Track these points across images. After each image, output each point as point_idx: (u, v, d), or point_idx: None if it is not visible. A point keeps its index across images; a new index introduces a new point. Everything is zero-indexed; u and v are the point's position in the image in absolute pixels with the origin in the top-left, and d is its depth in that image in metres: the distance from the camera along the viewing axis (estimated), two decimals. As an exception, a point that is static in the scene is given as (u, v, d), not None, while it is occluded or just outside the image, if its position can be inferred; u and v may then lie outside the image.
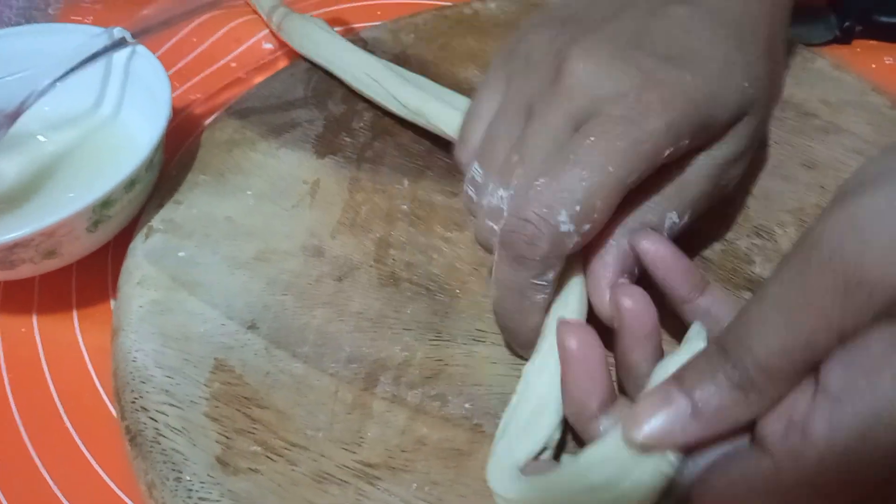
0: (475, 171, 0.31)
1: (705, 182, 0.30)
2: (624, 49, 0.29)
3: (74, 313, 0.36)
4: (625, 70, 0.28)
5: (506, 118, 0.30)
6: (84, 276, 0.38)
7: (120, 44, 0.38)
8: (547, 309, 0.29)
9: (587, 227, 0.27)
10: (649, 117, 0.27)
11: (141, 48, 0.39)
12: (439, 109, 0.37)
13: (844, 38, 0.48)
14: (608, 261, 0.28)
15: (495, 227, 0.29)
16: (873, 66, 0.46)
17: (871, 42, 0.48)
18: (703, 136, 0.29)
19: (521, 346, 0.30)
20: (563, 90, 0.29)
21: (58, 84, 0.37)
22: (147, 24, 0.40)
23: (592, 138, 0.27)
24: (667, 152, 0.27)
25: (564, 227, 0.27)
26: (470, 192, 0.31)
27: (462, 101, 0.37)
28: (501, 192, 0.29)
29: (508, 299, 0.29)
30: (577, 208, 0.26)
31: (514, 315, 0.29)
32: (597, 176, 0.26)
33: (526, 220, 0.27)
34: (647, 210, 0.29)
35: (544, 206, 0.27)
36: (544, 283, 0.28)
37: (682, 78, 0.28)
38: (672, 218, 0.29)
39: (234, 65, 0.49)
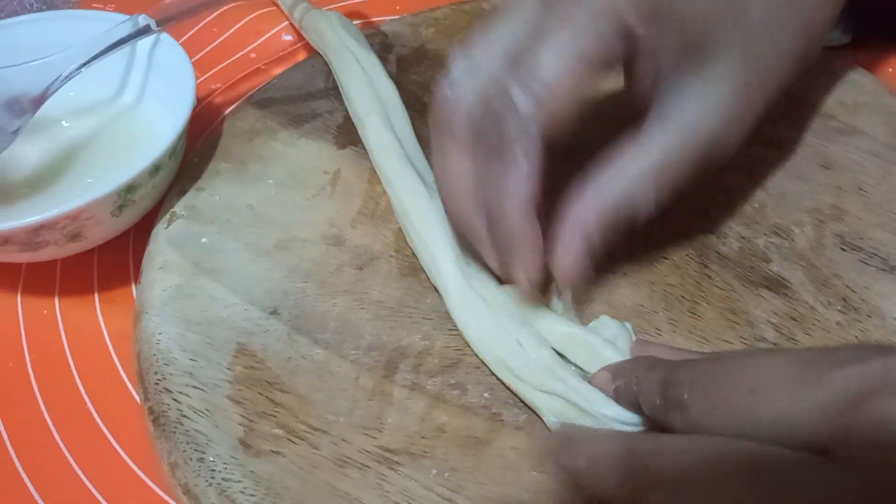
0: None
1: (690, 144, 0.29)
2: None
3: (96, 296, 0.37)
4: None
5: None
6: (106, 260, 0.38)
7: (145, 31, 0.39)
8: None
9: (547, 103, 0.27)
10: None
11: (165, 36, 0.40)
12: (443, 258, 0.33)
13: (861, 42, 0.48)
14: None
15: (448, 93, 0.29)
16: (890, 69, 0.47)
17: (888, 46, 0.48)
18: (662, 25, 0.28)
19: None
20: None
21: (82, 70, 0.38)
22: (169, 12, 0.40)
23: (548, 21, 0.27)
24: (620, 38, 0.27)
25: (523, 105, 0.27)
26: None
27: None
28: (461, 62, 0.29)
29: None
30: (533, 86, 0.27)
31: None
32: (552, 52, 0.27)
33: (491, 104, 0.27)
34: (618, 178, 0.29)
35: (501, 90, 0.27)
36: (516, 171, 0.27)
37: None
38: (647, 195, 0.29)
39: (253, 55, 0.49)
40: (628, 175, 0.29)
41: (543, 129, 0.27)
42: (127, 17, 0.39)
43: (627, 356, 0.29)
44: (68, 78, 0.38)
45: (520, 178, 0.27)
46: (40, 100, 0.38)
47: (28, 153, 0.39)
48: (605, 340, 0.29)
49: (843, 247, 0.35)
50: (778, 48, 0.31)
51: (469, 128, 0.28)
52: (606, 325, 0.30)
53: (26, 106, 0.38)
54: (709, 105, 0.29)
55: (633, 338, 0.30)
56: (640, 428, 0.26)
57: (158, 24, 0.39)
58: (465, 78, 0.29)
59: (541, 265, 0.29)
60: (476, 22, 0.47)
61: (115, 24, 0.39)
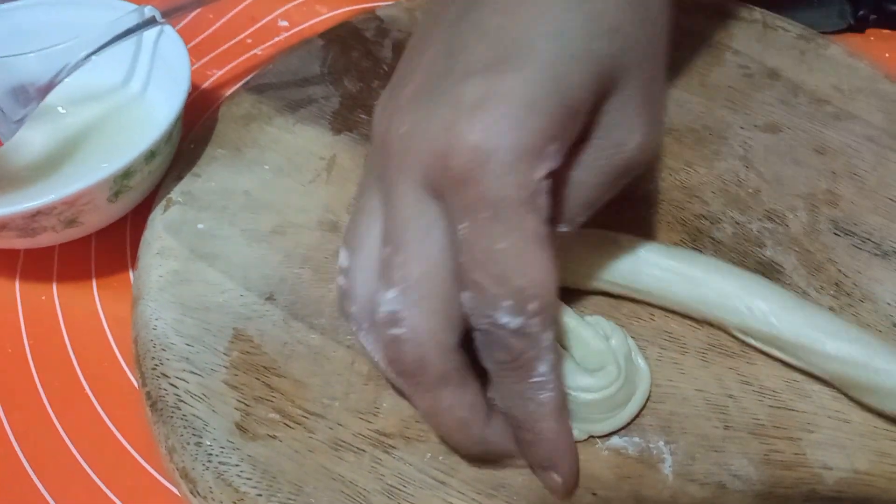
0: (342, 260, 0.28)
1: (599, 182, 0.26)
2: (430, 89, 0.25)
3: (94, 282, 0.37)
4: (433, 115, 0.24)
5: (363, 206, 0.27)
6: (103, 246, 0.38)
7: (151, 22, 0.39)
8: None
9: (532, 306, 0.24)
10: (496, 162, 0.23)
11: (168, 28, 0.40)
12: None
13: (858, 27, 0.48)
14: None
15: (402, 335, 0.25)
16: (886, 54, 0.47)
17: (885, 31, 0.48)
18: (572, 126, 0.25)
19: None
20: (391, 161, 0.25)
21: (91, 59, 0.38)
22: (174, 3, 0.40)
23: (465, 224, 0.24)
24: (544, 171, 0.24)
25: (524, 322, 0.24)
26: (341, 284, 0.27)
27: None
28: (390, 293, 0.25)
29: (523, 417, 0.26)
30: (520, 297, 0.24)
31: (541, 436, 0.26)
32: (512, 246, 0.23)
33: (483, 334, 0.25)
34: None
35: (487, 315, 0.24)
36: (548, 381, 0.25)
37: (503, 86, 0.23)
38: (562, 227, 0.26)
39: (249, 41, 0.49)
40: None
41: (553, 328, 0.25)
42: (130, 3, 0.39)
43: (619, 355, 0.29)
44: (75, 67, 0.38)
45: (546, 388, 0.25)
46: (47, 89, 0.38)
47: (30, 141, 0.39)
48: (598, 335, 0.29)
49: (836, 232, 0.35)
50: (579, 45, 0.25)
51: (447, 361, 0.25)
52: (601, 322, 0.31)
53: (32, 94, 0.38)
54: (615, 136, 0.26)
55: (629, 340, 0.30)
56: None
57: (163, 14, 0.39)
58: (412, 309, 0.25)
59: (577, 466, 0.27)
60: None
61: (115, 9, 0.39)
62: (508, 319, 0.24)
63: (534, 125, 0.23)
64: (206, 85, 0.46)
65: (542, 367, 0.25)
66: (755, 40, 0.44)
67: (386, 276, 0.25)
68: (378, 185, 0.26)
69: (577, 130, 0.25)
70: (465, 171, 0.23)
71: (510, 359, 0.25)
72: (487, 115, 0.23)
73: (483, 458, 0.28)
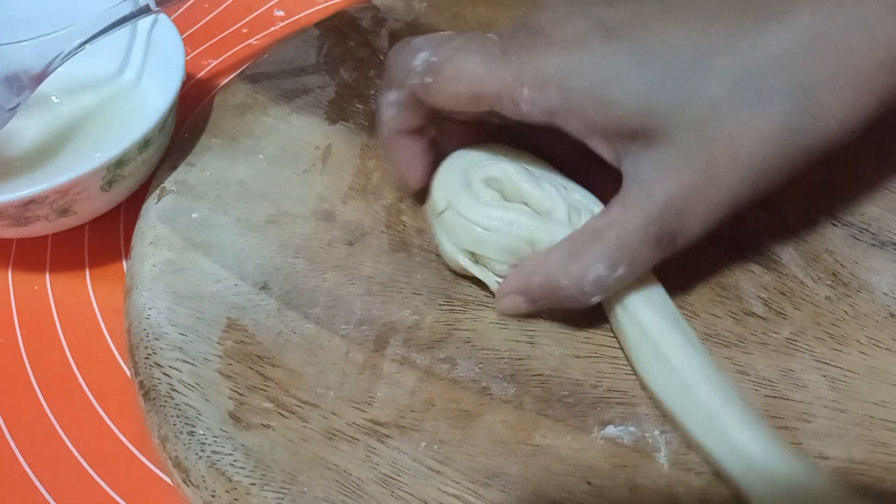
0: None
1: (643, 227, 0.28)
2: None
3: (87, 272, 0.37)
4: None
5: None
6: (97, 236, 0.38)
7: (145, 11, 0.38)
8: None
9: (431, 95, 0.30)
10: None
11: (163, 17, 0.40)
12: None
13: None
14: None
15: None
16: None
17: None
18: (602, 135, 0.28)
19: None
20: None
21: (84, 47, 0.37)
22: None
23: (483, 47, 0.29)
24: (525, 110, 0.28)
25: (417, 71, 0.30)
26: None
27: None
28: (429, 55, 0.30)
29: None
30: (430, 78, 0.29)
31: None
32: (460, 71, 0.29)
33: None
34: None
35: (423, 55, 0.30)
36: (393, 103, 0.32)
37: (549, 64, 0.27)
38: (598, 270, 0.28)
39: (245, 31, 0.49)
40: (578, 261, 0.28)
41: (419, 95, 0.30)
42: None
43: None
44: (69, 56, 0.37)
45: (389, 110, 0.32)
46: (40, 77, 0.37)
47: (23, 129, 0.39)
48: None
49: (834, 222, 0.35)
50: (752, 126, 0.27)
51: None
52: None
53: (26, 83, 0.37)
54: (666, 186, 0.27)
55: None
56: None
57: (158, 3, 0.39)
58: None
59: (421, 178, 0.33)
60: (466, 4, 0.46)
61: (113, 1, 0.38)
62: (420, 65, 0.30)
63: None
64: (201, 74, 0.46)
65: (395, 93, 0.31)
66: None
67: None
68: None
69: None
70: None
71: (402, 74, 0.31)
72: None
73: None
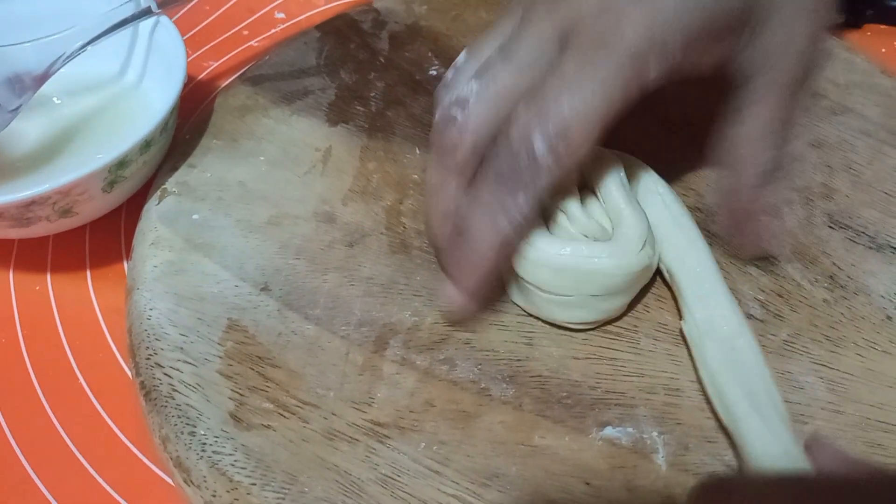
0: (460, 58, 0.31)
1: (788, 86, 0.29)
2: None
3: (88, 273, 0.37)
4: None
5: (501, 23, 0.31)
6: (98, 237, 0.38)
7: (147, 13, 0.39)
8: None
9: (563, 159, 0.27)
10: (625, 36, 0.27)
11: (164, 19, 0.40)
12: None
13: (855, 22, 0.48)
14: None
15: (458, 118, 0.29)
16: (883, 49, 0.47)
17: (881, 26, 0.48)
18: (701, 45, 0.28)
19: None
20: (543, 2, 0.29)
21: (86, 49, 0.38)
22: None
23: (570, 63, 0.27)
24: (653, 74, 0.27)
25: (542, 156, 0.27)
26: (448, 76, 0.31)
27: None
28: (473, 85, 0.29)
29: (476, 219, 0.29)
30: (554, 140, 0.27)
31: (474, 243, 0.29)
32: (576, 104, 0.27)
33: (510, 143, 0.28)
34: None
35: (522, 133, 0.27)
36: (519, 211, 0.28)
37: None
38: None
39: (246, 33, 0.49)
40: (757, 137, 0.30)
41: (554, 179, 0.28)
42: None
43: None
44: (71, 57, 0.38)
45: (515, 219, 0.28)
46: (42, 78, 0.38)
47: (25, 130, 0.39)
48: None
49: (831, 225, 0.35)
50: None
51: (472, 159, 0.29)
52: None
53: (28, 84, 0.38)
54: (791, 35, 0.29)
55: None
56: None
57: (160, 5, 0.39)
58: (478, 105, 0.29)
59: (476, 297, 0.30)
60: (466, 7, 0.47)
61: (110, 0, 0.38)
62: (540, 143, 0.27)
63: (668, 23, 0.27)
64: (202, 76, 0.46)
65: (521, 197, 0.28)
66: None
67: (480, 70, 0.29)
68: (522, 12, 0.30)
69: (699, 53, 0.28)
70: (600, 34, 0.27)
71: (510, 171, 0.28)
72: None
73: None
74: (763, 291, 0.33)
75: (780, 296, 0.33)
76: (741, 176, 0.30)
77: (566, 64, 0.27)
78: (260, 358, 0.31)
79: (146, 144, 0.34)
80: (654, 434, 0.29)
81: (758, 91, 0.30)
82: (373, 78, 0.42)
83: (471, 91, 0.29)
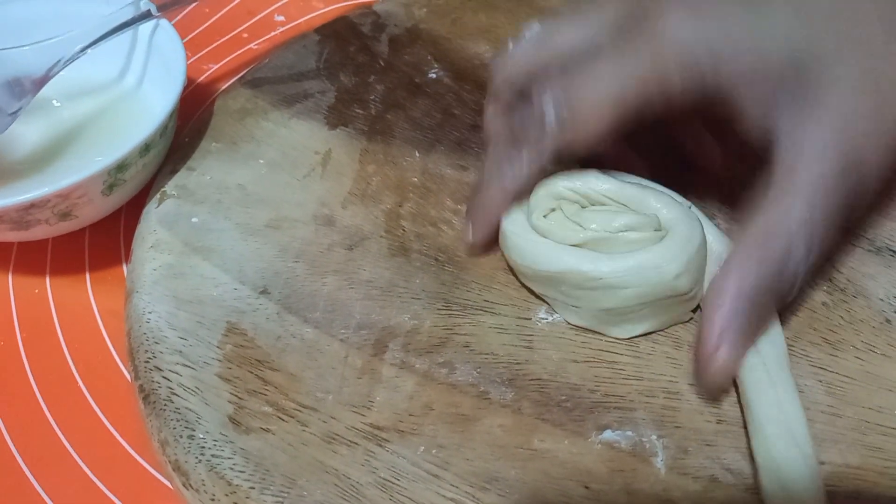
0: (528, 30, 0.33)
1: (825, 185, 0.27)
2: None
3: (87, 276, 0.37)
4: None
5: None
6: (97, 240, 0.38)
7: (146, 16, 0.39)
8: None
9: (567, 131, 0.29)
10: (661, 35, 0.28)
11: (164, 22, 0.40)
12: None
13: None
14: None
15: (509, 47, 0.32)
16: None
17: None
18: (736, 76, 0.27)
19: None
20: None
21: (86, 52, 0.38)
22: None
23: (608, 48, 0.29)
24: (679, 86, 0.28)
25: (549, 121, 0.30)
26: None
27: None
28: (535, 27, 0.32)
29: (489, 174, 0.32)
30: (563, 109, 0.29)
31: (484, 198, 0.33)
32: (594, 84, 0.29)
33: (531, 100, 0.30)
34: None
35: (542, 94, 0.30)
36: (517, 167, 0.31)
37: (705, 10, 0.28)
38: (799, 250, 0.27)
39: (245, 35, 0.49)
40: (772, 244, 0.27)
41: (557, 147, 0.30)
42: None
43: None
44: (71, 60, 0.38)
45: (515, 176, 0.31)
46: (42, 81, 0.38)
47: (25, 133, 0.39)
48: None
49: (830, 228, 0.35)
50: None
51: (504, 87, 0.33)
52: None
53: (28, 87, 0.38)
54: (836, 125, 0.27)
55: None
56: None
57: (159, 8, 0.39)
58: (523, 54, 0.32)
59: (485, 242, 0.33)
60: (469, 3, 0.47)
61: (111, 3, 0.39)
62: (550, 108, 0.30)
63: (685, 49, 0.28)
64: (201, 79, 0.46)
65: (524, 155, 0.31)
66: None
67: (548, 19, 0.32)
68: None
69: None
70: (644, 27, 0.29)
71: (521, 126, 0.31)
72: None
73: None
74: (762, 295, 0.33)
75: (779, 299, 0.33)
76: (705, 324, 0.28)
77: (606, 47, 0.29)
78: (259, 361, 0.31)
79: (146, 147, 0.34)
80: (654, 437, 0.29)
81: (773, 185, 0.27)
82: (372, 81, 0.42)
83: (531, 31, 0.32)
